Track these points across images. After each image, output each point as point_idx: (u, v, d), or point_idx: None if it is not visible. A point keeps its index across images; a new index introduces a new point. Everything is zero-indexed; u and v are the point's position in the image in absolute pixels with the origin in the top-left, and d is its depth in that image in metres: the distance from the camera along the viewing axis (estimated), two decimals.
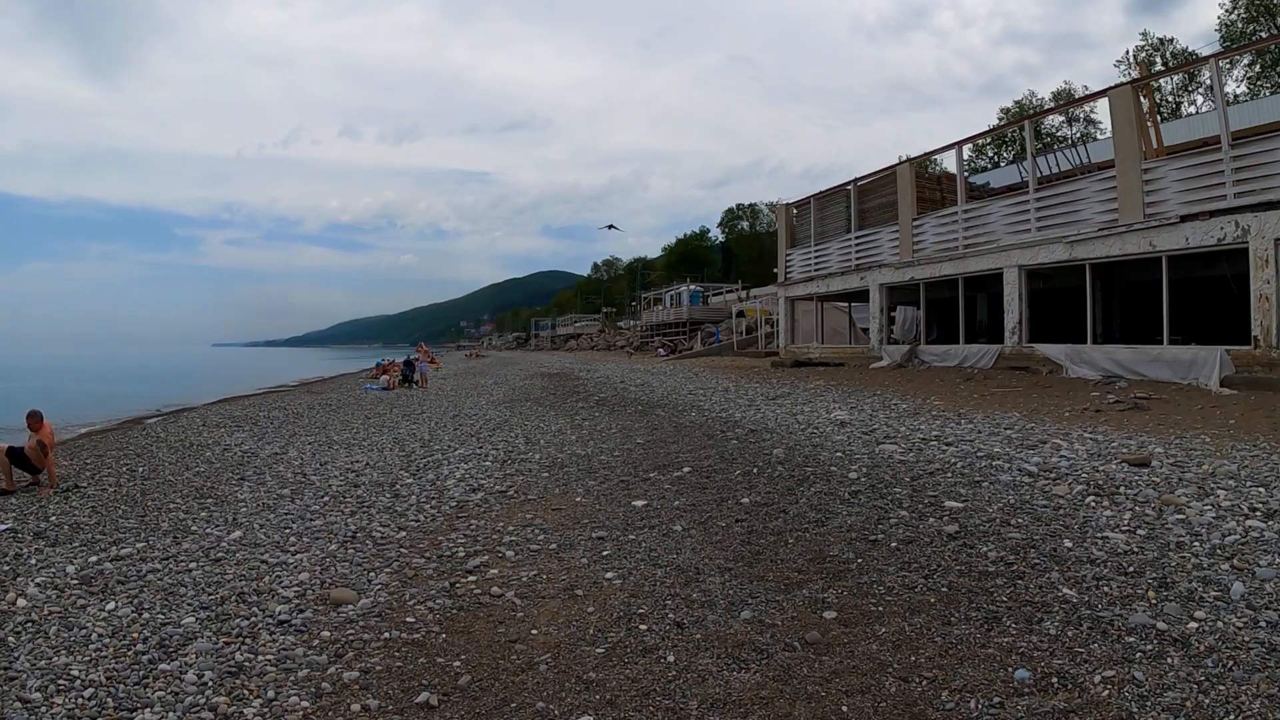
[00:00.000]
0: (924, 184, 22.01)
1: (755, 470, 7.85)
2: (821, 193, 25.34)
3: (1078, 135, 43.14)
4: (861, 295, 24.91)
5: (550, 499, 7.41)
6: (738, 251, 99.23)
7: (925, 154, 21.61)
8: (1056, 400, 12.80)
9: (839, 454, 8.49)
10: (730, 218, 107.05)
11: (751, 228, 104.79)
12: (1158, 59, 45.58)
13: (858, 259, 23.30)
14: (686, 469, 8.18)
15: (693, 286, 56.49)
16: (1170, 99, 44.75)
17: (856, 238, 23.36)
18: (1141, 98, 16.72)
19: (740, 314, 44.68)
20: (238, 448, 12.03)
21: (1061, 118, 50.84)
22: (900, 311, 27.23)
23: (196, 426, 15.44)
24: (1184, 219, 14.81)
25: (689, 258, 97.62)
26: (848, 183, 24.30)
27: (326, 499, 7.95)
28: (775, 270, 54.42)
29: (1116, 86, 17.37)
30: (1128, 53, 47.91)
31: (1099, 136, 40.83)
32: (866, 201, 23.32)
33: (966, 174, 24.29)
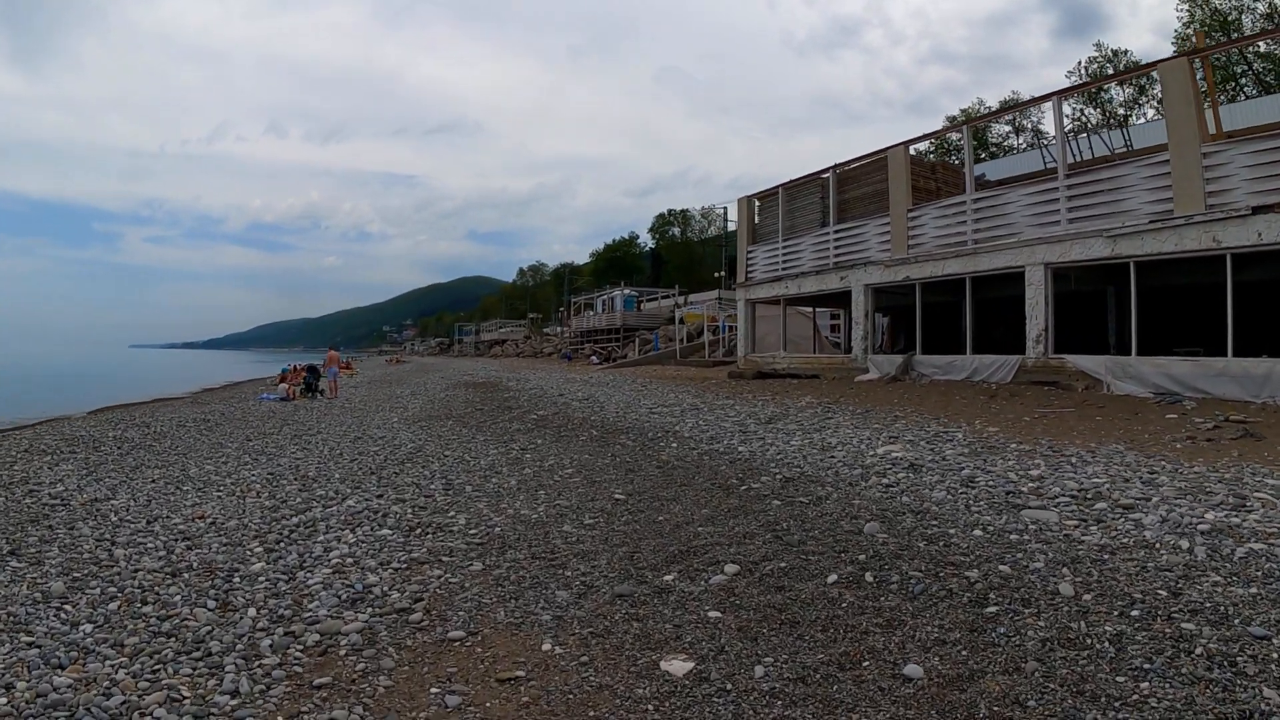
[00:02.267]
0: (918, 172, 19.12)
1: (864, 573, 4.38)
2: (791, 181, 22.24)
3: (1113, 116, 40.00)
4: (838, 298, 21.95)
5: (492, 639, 3.79)
6: (668, 258, 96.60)
7: (924, 135, 18.71)
8: (1135, 425, 9.94)
9: (977, 533, 5.10)
10: (661, 223, 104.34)
11: (683, 234, 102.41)
12: (1110, 69, 44.30)
13: (837, 256, 20.23)
14: (731, 567, 4.63)
15: (627, 291, 52.99)
16: (1121, 109, 43.21)
17: (836, 232, 20.30)
18: (1198, 73, 14.10)
19: (681, 320, 41.49)
20: (48, 489, 8.03)
21: (1009, 126, 49.33)
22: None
23: (16, 454, 10.98)
24: (1256, 210, 12.19)
25: (617, 264, 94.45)
26: (823, 170, 21.29)
27: (116, 603, 4.39)
28: (716, 274, 51.63)
29: (1172, 58, 14.79)
30: (1079, 64, 46.44)
31: (1045, 144, 38.88)
32: (848, 191, 20.32)
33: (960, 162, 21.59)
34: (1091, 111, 44.15)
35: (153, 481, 8.49)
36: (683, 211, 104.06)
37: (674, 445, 9.69)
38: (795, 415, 12.17)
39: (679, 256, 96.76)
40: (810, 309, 25.80)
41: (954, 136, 32.03)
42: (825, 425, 10.82)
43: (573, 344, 53.39)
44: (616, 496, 6.70)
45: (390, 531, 5.86)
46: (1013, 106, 36.50)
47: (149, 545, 5.72)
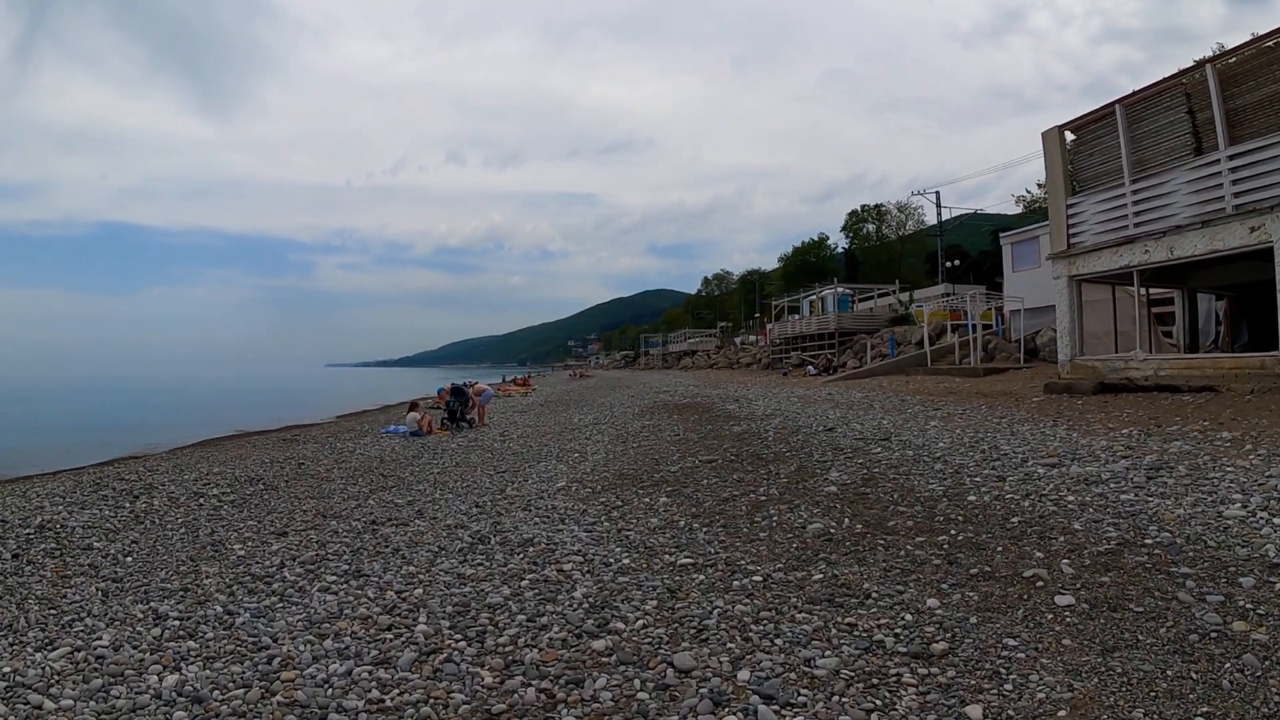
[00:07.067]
0: None
1: None
2: (1133, 95, 14.90)
3: None
4: (1197, 268, 14.57)
5: None
6: (862, 258, 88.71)
7: None
8: None
9: None
10: (854, 221, 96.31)
11: (878, 231, 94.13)
12: None
13: (1238, 196, 12.81)
14: None
15: (841, 289, 45.71)
16: None
17: (1232, 158, 12.92)
18: None
19: (913, 321, 34.25)
20: None
21: None
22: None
23: None
24: None
25: (808, 267, 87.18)
26: (1187, 70, 13.98)
27: None
28: (950, 263, 43.69)
29: None
30: None
31: None
32: (1243, 93, 12.89)
33: None
34: None
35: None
36: (877, 207, 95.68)
37: None
38: None
39: (875, 255, 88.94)
40: (1140, 288, 18.20)
41: None
42: None
43: (774, 352, 46.92)
44: None
45: None
46: None
47: None
